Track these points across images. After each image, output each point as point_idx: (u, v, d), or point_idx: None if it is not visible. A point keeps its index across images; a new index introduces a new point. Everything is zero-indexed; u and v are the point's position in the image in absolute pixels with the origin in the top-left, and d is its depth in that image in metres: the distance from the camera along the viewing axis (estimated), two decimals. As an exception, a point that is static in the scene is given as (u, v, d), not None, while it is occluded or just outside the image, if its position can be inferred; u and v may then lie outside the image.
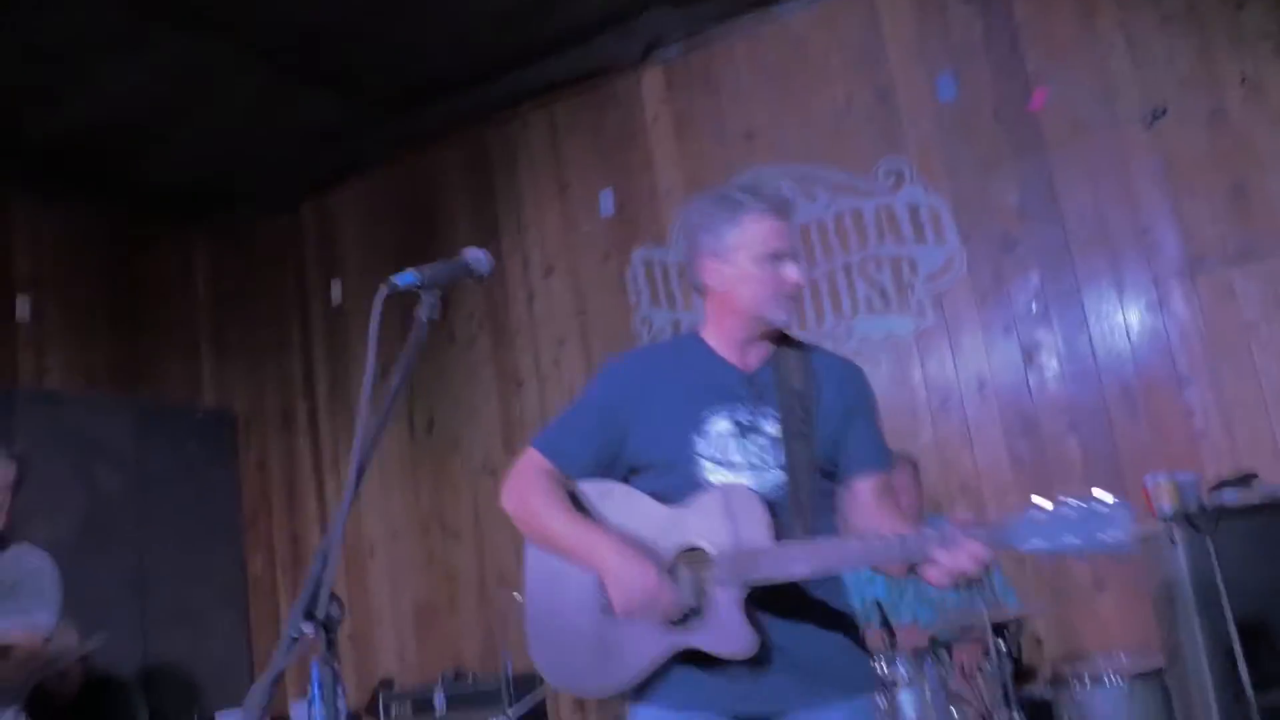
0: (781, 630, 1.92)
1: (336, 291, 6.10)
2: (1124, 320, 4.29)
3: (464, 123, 5.74)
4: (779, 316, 2.06)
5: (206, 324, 6.46)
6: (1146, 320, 4.25)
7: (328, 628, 1.53)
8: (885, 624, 3.29)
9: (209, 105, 5.37)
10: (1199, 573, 3.34)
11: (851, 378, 2.20)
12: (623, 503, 2.05)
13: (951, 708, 3.10)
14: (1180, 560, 3.36)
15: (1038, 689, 3.98)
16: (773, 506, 1.94)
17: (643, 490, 2.04)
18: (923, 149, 4.71)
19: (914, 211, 4.67)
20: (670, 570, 1.92)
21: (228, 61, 5.03)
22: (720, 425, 2.06)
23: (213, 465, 6.07)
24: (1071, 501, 1.67)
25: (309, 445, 6.08)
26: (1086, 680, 3.62)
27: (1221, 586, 3.16)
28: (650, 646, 1.91)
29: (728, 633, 1.87)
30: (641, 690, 1.96)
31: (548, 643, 2.04)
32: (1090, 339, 4.34)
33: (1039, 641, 4.28)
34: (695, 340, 2.18)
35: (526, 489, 2.07)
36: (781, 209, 2.09)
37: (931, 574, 1.78)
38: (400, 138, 5.86)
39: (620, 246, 5.32)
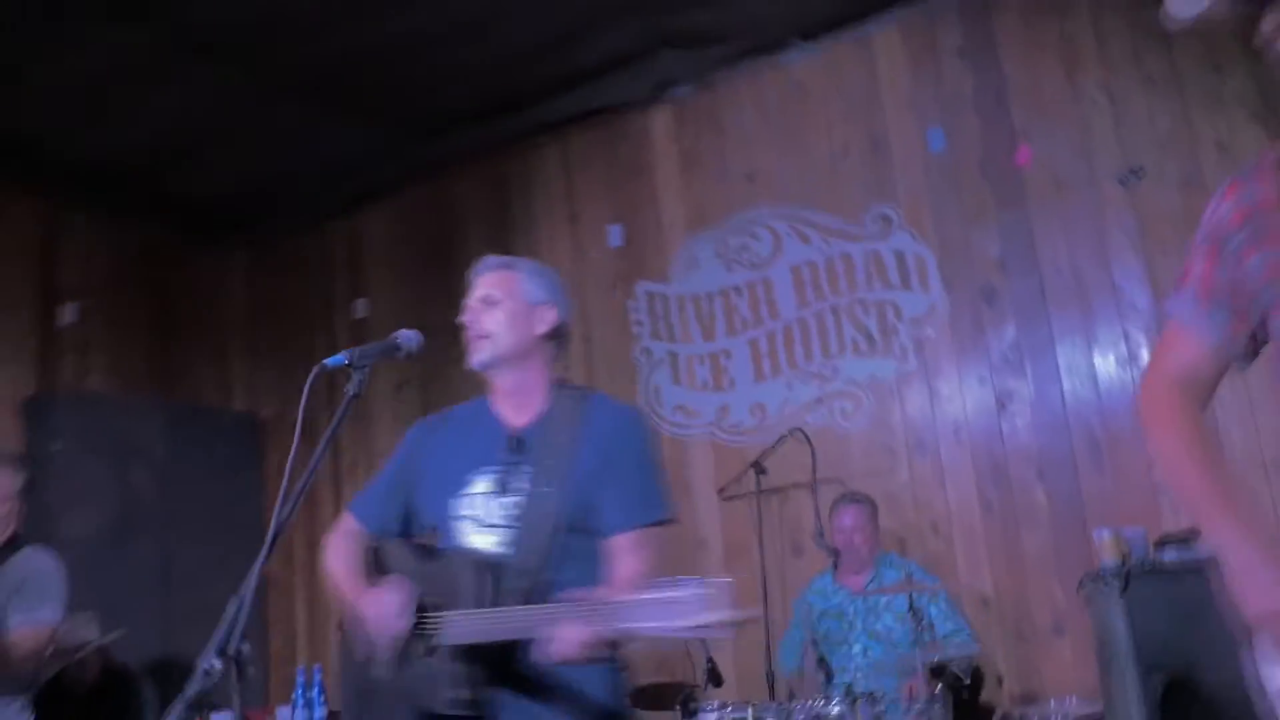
0: (517, 690, 2.02)
1: (360, 307, 6.41)
2: (1094, 372, 4.43)
3: (483, 153, 6.01)
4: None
5: (239, 333, 6.81)
6: (1115, 373, 4.39)
7: (238, 664, 1.78)
8: (822, 661, 3.48)
9: (247, 132, 5.69)
10: (1132, 626, 3.49)
11: (620, 428, 2.23)
12: (396, 560, 2.22)
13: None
14: (1114, 614, 3.52)
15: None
16: (496, 566, 2.06)
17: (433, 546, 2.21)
18: (912, 198, 4.88)
19: (900, 258, 4.85)
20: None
21: (265, 92, 5.35)
22: (480, 486, 2.19)
23: (239, 467, 6.40)
24: (669, 589, 1.72)
25: (330, 452, 6.38)
26: (1033, 720, 3.80)
27: (1134, 644, 3.31)
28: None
29: (428, 681, 2.02)
30: None
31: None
32: (1061, 390, 4.48)
33: (1000, 680, 4.43)
34: (485, 400, 2.32)
35: (330, 549, 2.28)
36: (476, 271, 2.33)
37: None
38: (423, 165, 6.14)
39: (626, 278, 5.56)
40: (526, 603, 2.00)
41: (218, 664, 1.72)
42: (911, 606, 3.59)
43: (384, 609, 2.07)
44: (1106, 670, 3.64)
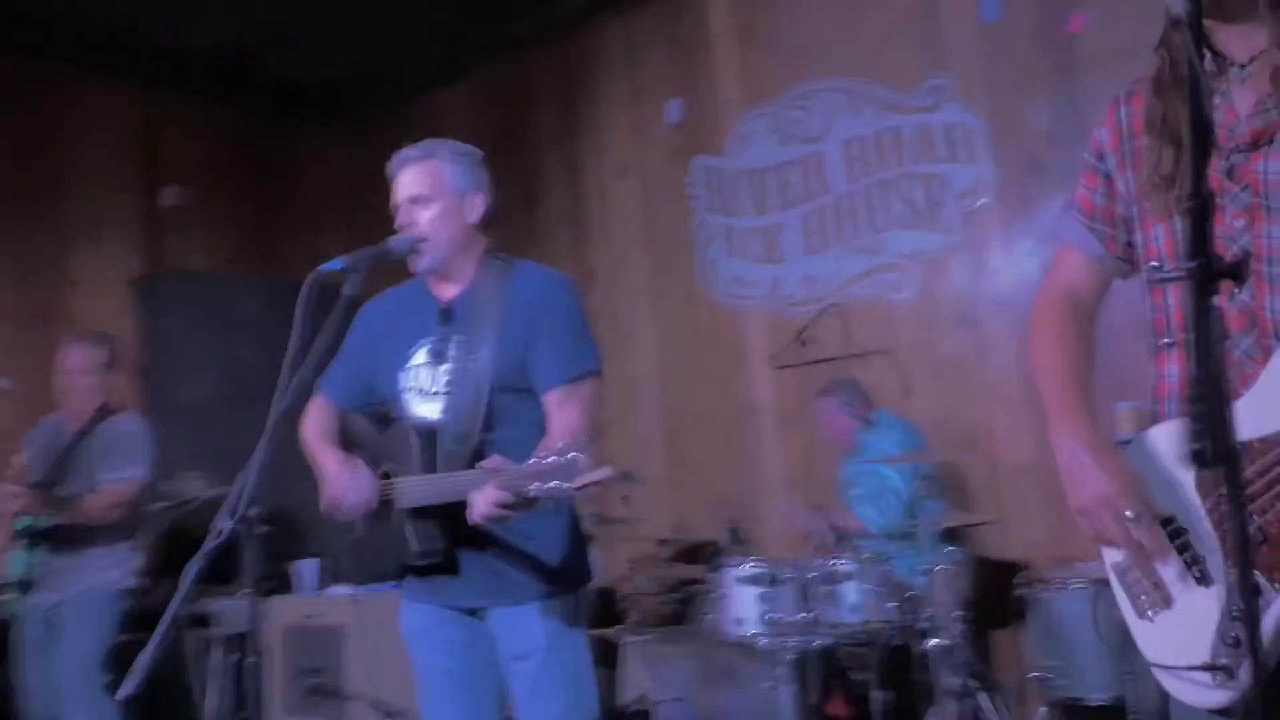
0: (472, 543, 2.28)
1: (440, 184, 6.68)
2: (1138, 246, 4.41)
3: (551, 32, 6.12)
4: (402, 248, 2.37)
5: (333, 210, 7.17)
6: (1159, 247, 4.36)
7: (249, 524, 2.09)
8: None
9: (333, 16, 5.93)
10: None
11: (545, 293, 2.39)
12: (359, 432, 2.53)
13: (890, 604, 3.51)
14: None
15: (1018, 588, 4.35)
16: (435, 432, 2.32)
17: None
18: (965, 68, 4.83)
19: (949, 131, 4.85)
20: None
21: None
22: (419, 358, 2.42)
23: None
24: (552, 456, 1.96)
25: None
26: (1056, 582, 3.99)
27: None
28: None
29: (400, 539, 2.31)
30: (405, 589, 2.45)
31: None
32: (1105, 263, 4.48)
33: (1034, 543, 4.60)
34: (420, 279, 2.49)
35: (305, 424, 2.55)
36: (396, 163, 2.49)
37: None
38: (496, 44, 6.30)
39: (684, 153, 5.67)
40: (469, 464, 2.22)
41: (226, 526, 2.03)
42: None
43: (345, 487, 2.36)
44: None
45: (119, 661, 4.84)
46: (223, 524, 2.06)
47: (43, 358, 4.93)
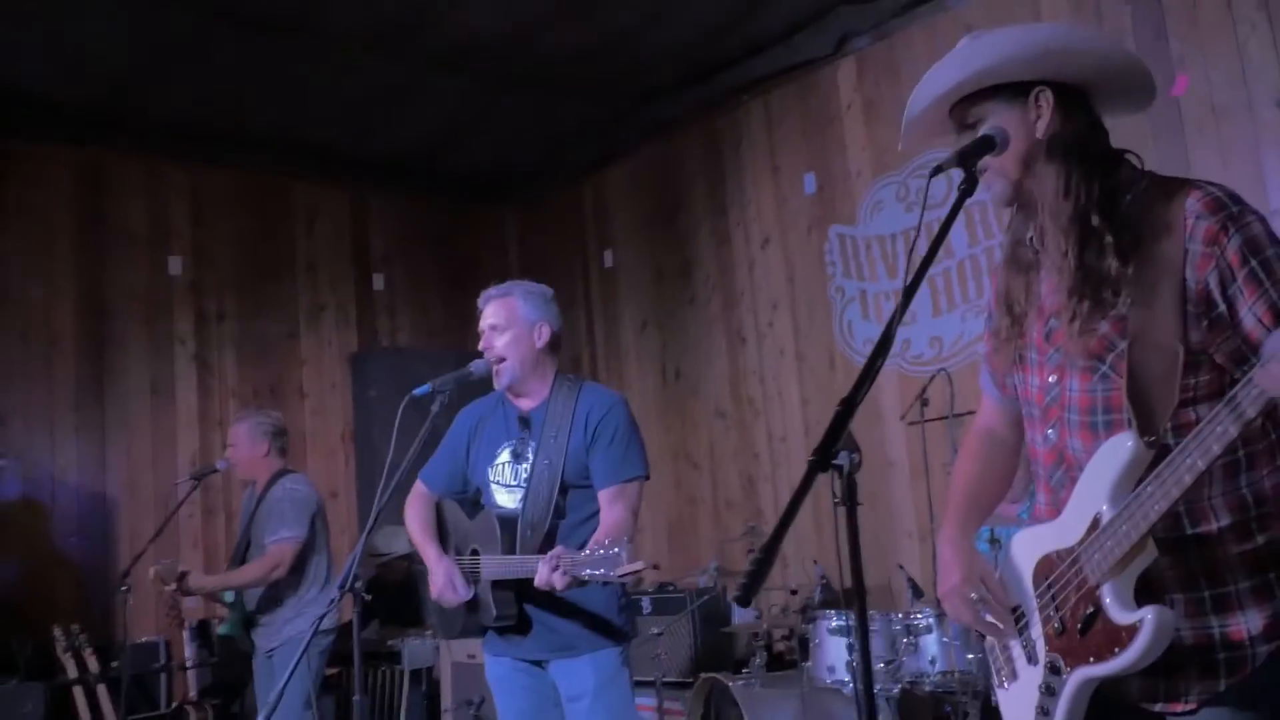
0: (539, 608, 2.81)
1: (609, 257, 7.34)
2: (1248, 301, 4.46)
3: (697, 114, 6.66)
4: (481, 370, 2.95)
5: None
6: (1269, 302, 4.40)
7: (355, 594, 2.71)
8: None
9: (506, 114, 6.71)
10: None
11: (603, 411, 2.90)
12: (451, 516, 3.09)
13: (969, 654, 3.77)
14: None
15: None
16: (514, 519, 2.84)
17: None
18: (1074, 133, 4.99)
19: (1062, 193, 5.02)
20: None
21: (520, 82, 6.33)
22: (504, 456, 2.99)
23: (522, 399, 7.60)
24: (600, 550, 2.46)
25: (591, 384, 7.44)
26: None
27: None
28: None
29: (484, 606, 2.85)
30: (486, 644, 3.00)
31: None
32: (1216, 318, 4.55)
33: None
34: (503, 393, 3.06)
35: (408, 508, 3.15)
36: (483, 299, 3.03)
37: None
38: (650, 127, 6.90)
39: (820, 222, 6.06)
40: (538, 546, 2.79)
41: (337, 595, 2.66)
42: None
43: (442, 586, 2.94)
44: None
45: (328, 690, 5.66)
46: (333, 593, 2.70)
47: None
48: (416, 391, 2.91)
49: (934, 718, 3.96)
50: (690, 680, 4.75)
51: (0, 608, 5.36)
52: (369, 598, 2.92)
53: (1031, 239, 1.91)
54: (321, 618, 2.92)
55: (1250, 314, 1.63)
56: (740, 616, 5.54)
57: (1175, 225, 1.70)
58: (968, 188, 1.80)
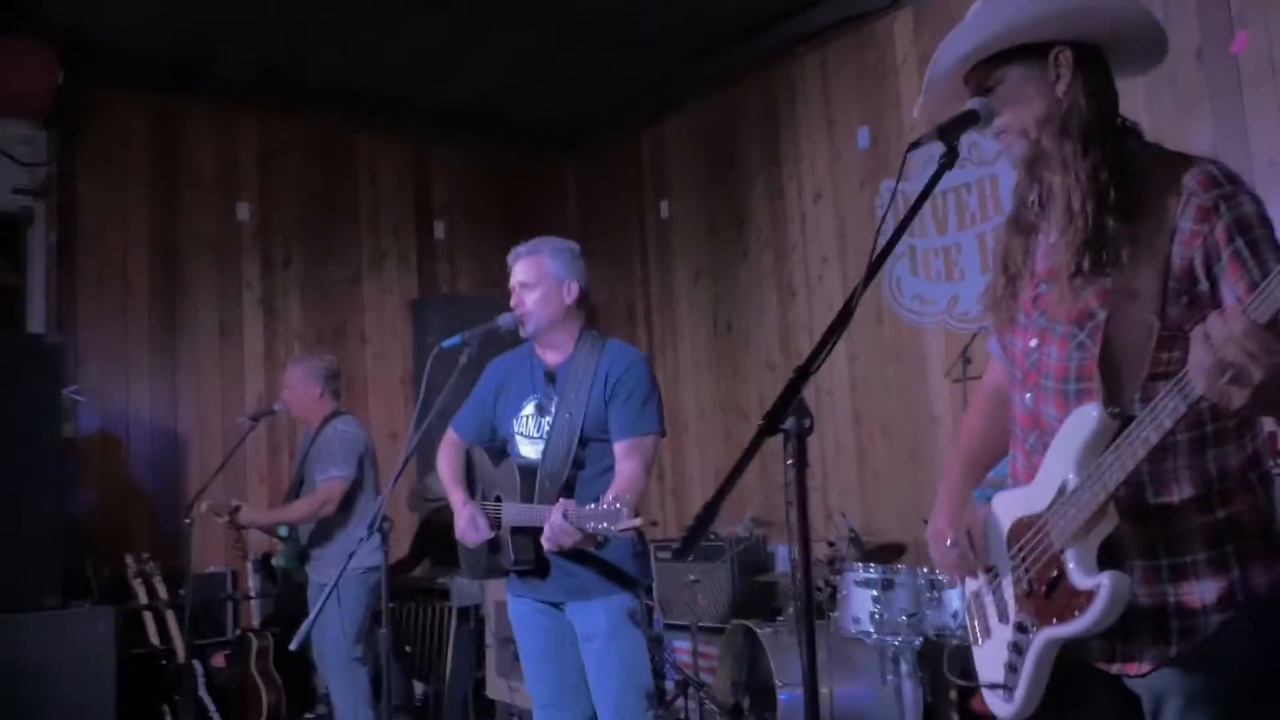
0: (556, 555, 2.91)
1: (665, 208, 7.40)
2: (1300, 265, 4.39)
3: (753, 66, 6.65)
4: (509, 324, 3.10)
5: (574, 234, 8.05)
6: (1321, 266, 4.33)
7: (382, 532, 2.87)
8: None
9: (566, 66, 6.77)
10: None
11: (623, 368, 3.02)
12: (480, 463, 3.24)
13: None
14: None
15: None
16: (535, 469, 2.97)
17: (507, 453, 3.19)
18: (1128, 89, 4.89)
19: (1116, 152, 4.96)
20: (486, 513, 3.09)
21: (578, 35, 6.38)
22: (528, 408, 3.12)
23: (578, 347, 7.74)
24: (605, 505, 2.61)
25: (645, 334, 7.55)
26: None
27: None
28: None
29: (504, 550, 3.00)
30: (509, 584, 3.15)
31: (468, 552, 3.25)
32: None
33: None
34: (531, 345, 3.21)
35: (440, 454, 3.30)
36: (512, 256, 3.15)
37: None
38: (705, 80, 6.91)
39: (872, 177, 6.05)
40: (557, 496, 2.90)
41: (367, 533, 2.83)
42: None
43: (465, 528, 3.10)
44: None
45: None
46: (363, 530, 2.88)
47: (343, 371, 6.14)
48: (445, 344, 3.04)
49: (960, 672, 4.03)
50: (726, 626, 4.89)
51: (77, 536, 5.68)
52: (387, 533, 3.05)
53: (1034, 201, 1.95)
54: (351, 555, 3.08)
55: (1231, 292, 1.67)
56: (781, 566, 5.66)
57: (1170, 200, 1.73)
58: (948, 161, 1.86)
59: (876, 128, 6.04)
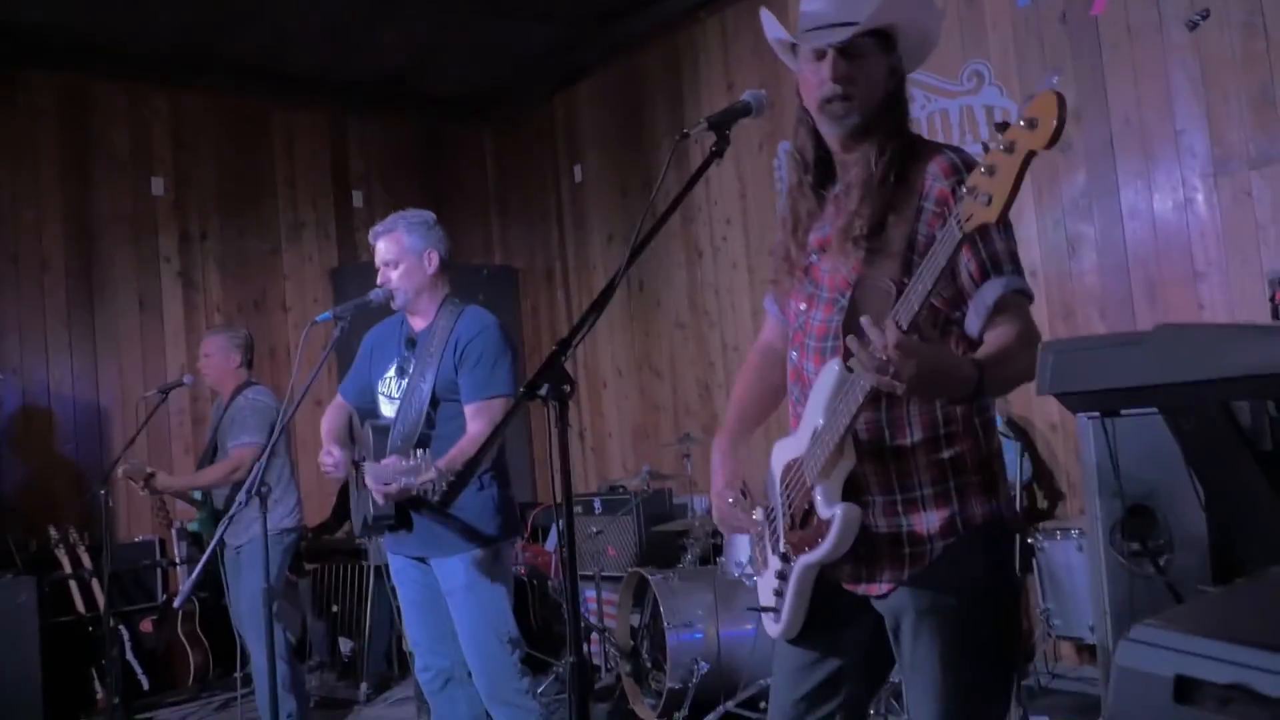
0: (417, 512, 3.12)
1: (578, 172, 7.56)
2: (1153, 217, 4.66)
3: (658, 31, 6.80)
4: (379, 299, 3.25)
5: (493, 199, 8.22)
6: (1171, 218, 4.60)
7: (260, 497, 3.05)
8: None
9: (476, 35, 6.88)
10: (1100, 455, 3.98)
11: (473, 333, 3.19)
12: (356, 426, 3.45)
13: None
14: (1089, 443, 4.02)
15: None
16: (387, 429, 3.17)
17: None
18: (1001, 52, 5.14)
19: (990, 112, 5.18)
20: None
21: (487, 7, 6.51)
22: (391, 371, 3.31)
23: (500, 311, 7.81)
24: (405, 461, 2.85)
25: (564, 296, 7.73)
26: (1056, 534, 4.44)
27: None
28: None
29: (367, 504, 3.14)
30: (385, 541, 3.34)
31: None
32: (1123, 234, 4.75)
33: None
34: (401, 313, 3.38)
35: (324, 416, 3.47)
36: (373, 235, 3.31)
37: None
38: (614, 45, 7.05)
39: (770, 139, 6.24)
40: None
41: (243, 498, 3.00)
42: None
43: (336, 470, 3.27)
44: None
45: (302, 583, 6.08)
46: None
47: (262, 340, 6.26)
48: (318, 318, 3.21)
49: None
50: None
51: (5, 510, 5.81)
52: (265, 497, 3.23)
53: (811, 168, 2.10)
54: (231, 518, 3.25)
55: (964, 269, 1.90)
56: (688, 517, 5.90)
57: (916, 183, 1.94)
58: (719, 150, 2.05)
59: (774, 91, 6.20)
